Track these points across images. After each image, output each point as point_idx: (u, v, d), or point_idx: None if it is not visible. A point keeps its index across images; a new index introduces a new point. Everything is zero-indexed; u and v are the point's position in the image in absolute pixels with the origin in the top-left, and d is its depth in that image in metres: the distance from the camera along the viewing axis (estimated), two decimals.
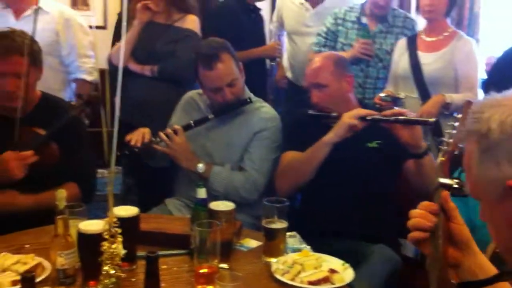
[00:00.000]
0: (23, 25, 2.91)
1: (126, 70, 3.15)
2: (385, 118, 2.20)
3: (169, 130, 2.52)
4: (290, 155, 2.45)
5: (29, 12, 3.14)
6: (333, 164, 2.27)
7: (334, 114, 2.41)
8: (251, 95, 2.63)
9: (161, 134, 2.51)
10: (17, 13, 3.15)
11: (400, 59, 3.28)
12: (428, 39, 3.25)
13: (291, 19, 3.87)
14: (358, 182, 2.31)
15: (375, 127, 2.30)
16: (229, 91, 2.49)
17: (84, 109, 2.50)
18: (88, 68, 3.38)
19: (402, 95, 3.20)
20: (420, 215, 1.26)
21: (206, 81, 2.51)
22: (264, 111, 2.61)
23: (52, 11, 3.19)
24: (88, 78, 3.39)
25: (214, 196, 2.45)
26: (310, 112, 2.49)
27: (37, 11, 3.08)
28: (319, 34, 3.56)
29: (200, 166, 2.48)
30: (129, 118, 2.80)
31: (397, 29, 3.44)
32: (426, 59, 3.19)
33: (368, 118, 2.24)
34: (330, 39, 3.52)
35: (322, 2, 3.78)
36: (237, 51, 2.65)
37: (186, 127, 2.55)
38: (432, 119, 2.26)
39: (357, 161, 2.34)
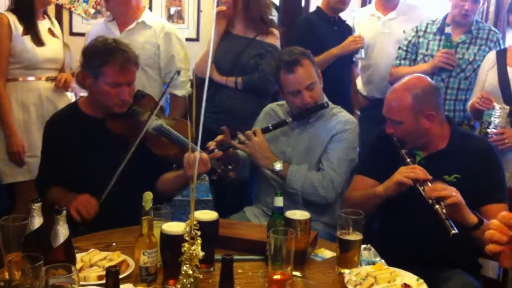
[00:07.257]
0: (125, 37, 3.09)
1: (211, 81, 3.28)
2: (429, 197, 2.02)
3: (248, 132, 2.61)
4: (359, 184, 2.42)
5: (132, 25, 3.25)
6: (408, 194, 2.14)
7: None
8: (328, 101, 2.67)
9: (240, 135, 2.59)
10: (122, 26, 3.26)
11: (488, 73, 3.17)
12: None
13: (368, 31, 3.79)
14: (432, 212, 2.04)
15: (455, 160, 2.23)
16: (308, 95, 2.56)
17: None
18: (180, 82, 3.32)
19: None
20: (497, 227, 1.21)
21: (287, 84, 2.59)
22: (341, 115, 2.66)
23: (154, 26, 3.27)
24: (179, 93, 3.33)
25: (294, 200, 2.50)
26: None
27: (140, 25, 3.25)
28: (399, 48, 3.54)
29: (278, 165, 2.56)
30: (214, 128, 2.91)
31: (481, 40, 3.37)
32: None
33: (418, 186, 2.09)
34: (411, 51, 3.49)
35: (394, 9, 3.77)
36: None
37: (265, 130, 2.64)
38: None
39: None
